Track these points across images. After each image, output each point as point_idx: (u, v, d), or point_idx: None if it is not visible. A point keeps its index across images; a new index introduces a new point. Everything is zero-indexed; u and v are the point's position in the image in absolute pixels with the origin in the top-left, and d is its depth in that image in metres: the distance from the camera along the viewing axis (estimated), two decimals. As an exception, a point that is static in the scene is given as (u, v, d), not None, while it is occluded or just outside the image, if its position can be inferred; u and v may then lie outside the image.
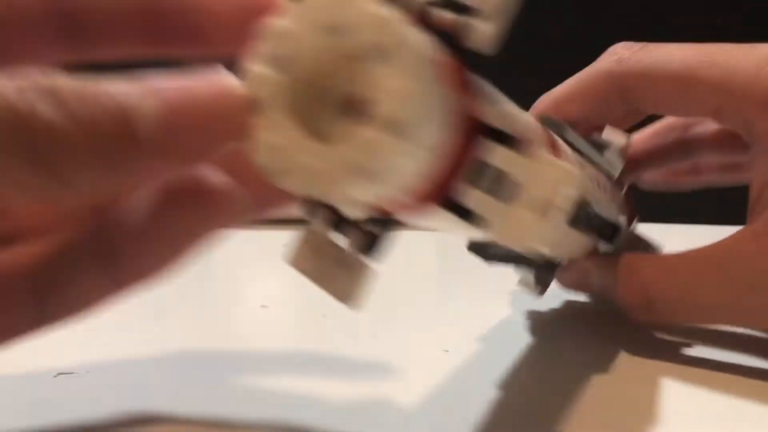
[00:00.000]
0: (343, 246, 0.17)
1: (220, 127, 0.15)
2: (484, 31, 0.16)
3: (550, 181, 0.16)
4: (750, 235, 0.24)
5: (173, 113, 0.14)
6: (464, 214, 0.16)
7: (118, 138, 0.14)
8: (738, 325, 0.25)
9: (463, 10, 0.16)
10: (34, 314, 0.18)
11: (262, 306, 0.33)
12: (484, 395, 0.22)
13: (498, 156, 0.16)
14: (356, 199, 0.15)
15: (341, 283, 0.18)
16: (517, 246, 0.17)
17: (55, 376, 0.23)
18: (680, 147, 0.33)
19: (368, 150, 0.14)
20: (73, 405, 0.21)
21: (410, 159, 0.15)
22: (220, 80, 0.15)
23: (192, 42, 0.18)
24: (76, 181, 0.14)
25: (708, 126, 0.32)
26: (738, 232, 0.24)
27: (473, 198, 0.16)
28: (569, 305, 0.32)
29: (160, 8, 0.17)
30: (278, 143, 0.15)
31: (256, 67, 0.15)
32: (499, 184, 0.17)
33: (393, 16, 0.15)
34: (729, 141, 0.31)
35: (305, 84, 0.16)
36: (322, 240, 0.18)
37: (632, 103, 0.27)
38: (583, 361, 0.26)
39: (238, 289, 0.38)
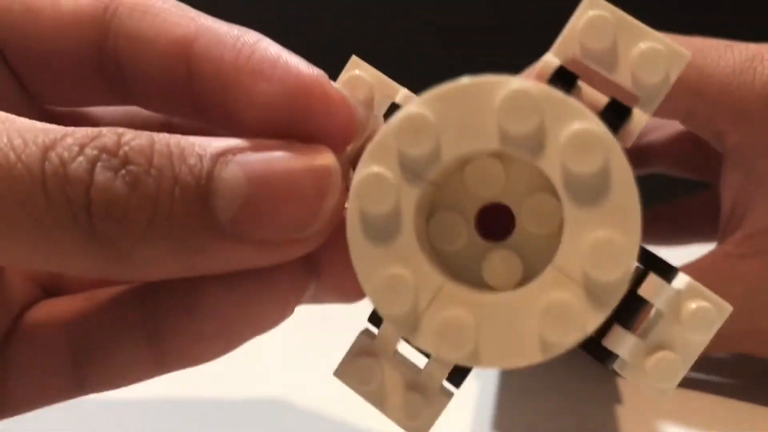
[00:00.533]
0: (416, 365, 0.14)
1: (318, 213, 0.12)
2: (639, 120, 0.13)
3: (705, 320, 0.13)
4: (722, 258, 0.22)
5: (259, 189, 0.12)
6: (596, 349, 0.13)
7: (192, 217, 0.11)
8: (710, 351, 0.23)
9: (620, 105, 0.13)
10: (70, 380, 0.15)
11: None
12: (484, 395, 0.22)
13: (650, 288, 0.13)
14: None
15: (414, 413, 0.14)
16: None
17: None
18: (633, 155, 0.31)
19: (556, 318, 0.11)
20: (71, 405, 0.21)
21: (598, 322, 0.11)
22: (317, 155, 0.12)
23: (226, 121, 0.14)
24: (137, 262, 0.12)
25: (664, 132, 0.30)
26: (710, 254, 0.22)
27: (614, 336, 0.13)
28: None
29: (196, 82, 0.14)
30: (403, 277, 0.11)
31: (378, 169, 0.11)
32: (640, 317, 0.13)
33: (614, 141, 0.11)
34: (682, 154, 0.29)
35: (435, 194, 0.12)
36: (390, 355, 0.14)
37: None
38: (583, 364, 0.26)
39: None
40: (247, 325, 0.14)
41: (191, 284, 0.14)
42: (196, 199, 0.11)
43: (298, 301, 0.14)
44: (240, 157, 0.12)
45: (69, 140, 0.11)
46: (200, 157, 0.11)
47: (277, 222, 0.12)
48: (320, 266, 0.14)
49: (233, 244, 0.12)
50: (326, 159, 0.12)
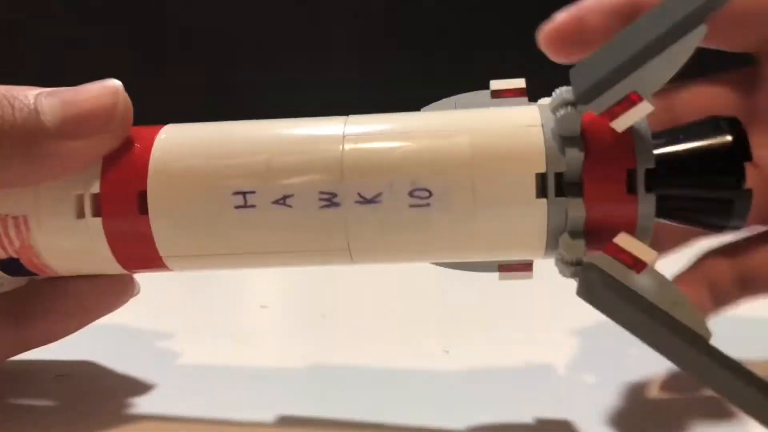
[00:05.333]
0: None
1: (102, 115, 0.19)
2: None
3: None
4: None
5: (69, 109, 0.19)
6: None
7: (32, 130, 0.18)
8: None
9: None
10: None
11: (262, 306, 0.33)
12: (484, 396, 0.22)
13: None
14: None
15: None
16: None
17: (53, 377, 0.23)
18: None
19: None
20: (71, 406, 0.21)
21: None
22: (106, 84, 0.19)
23: None
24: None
25: None
26: None
27: None
28: (572, 304, 0.32)
29: None
30: None
31: None
32: None
33: None
34: None
35: None
36: None
37: None
38: (584, 362, 0.26)
39: (238, 289, 0.38)
40: (99, 305, 0.21)
41: (50, 283, 0.21)
42: (34, 122, 0.18)
43: (132, 291, 0.22)
44: (59, 95, 0.19)
45: None
46: (32, 102, 0.18)
47: (89, 122, 0.19)
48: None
49: (59, 141, 0.18)
50: (114, 83, 0.19)
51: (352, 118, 0.19)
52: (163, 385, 0.23)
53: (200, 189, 0.19)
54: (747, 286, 0.22)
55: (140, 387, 0.23)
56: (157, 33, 0.73)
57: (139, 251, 0.19)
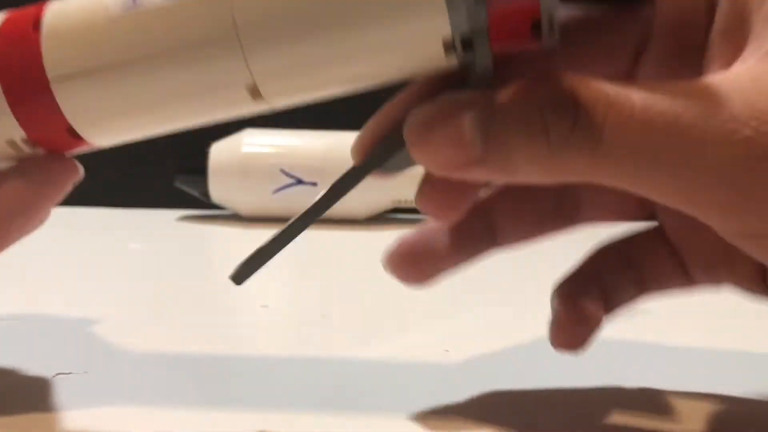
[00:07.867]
0: None
1: None
2: None
3: None
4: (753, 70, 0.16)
5: None
6: None
7: None
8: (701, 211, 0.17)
9: None
10: None
11: (262, 306, 0.33)
12: (484, 395, 0.22)
13: None
14: None
15: None
16: None
17: (53, 376, 0.23)
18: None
19: None
20: (71, 405, 0.21)
21: None
22: None
23: None
24: None
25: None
26: (735, 70, 0.17)
27: None
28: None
29: None
30: None
31: None
32: None
33: None
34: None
35: None
36: None
37: None
38: (584, 361, 0.26)
39: (238, 289, 0.38)
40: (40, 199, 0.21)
41: None
42: None
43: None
44: None
45: None
46: None
47: None
48: None
49: None
50: None
51: None
52: (163, 384, 0.23)
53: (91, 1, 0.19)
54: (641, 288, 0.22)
55: (139, 386, 0.23)
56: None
57: (24, 74, 0.19)
